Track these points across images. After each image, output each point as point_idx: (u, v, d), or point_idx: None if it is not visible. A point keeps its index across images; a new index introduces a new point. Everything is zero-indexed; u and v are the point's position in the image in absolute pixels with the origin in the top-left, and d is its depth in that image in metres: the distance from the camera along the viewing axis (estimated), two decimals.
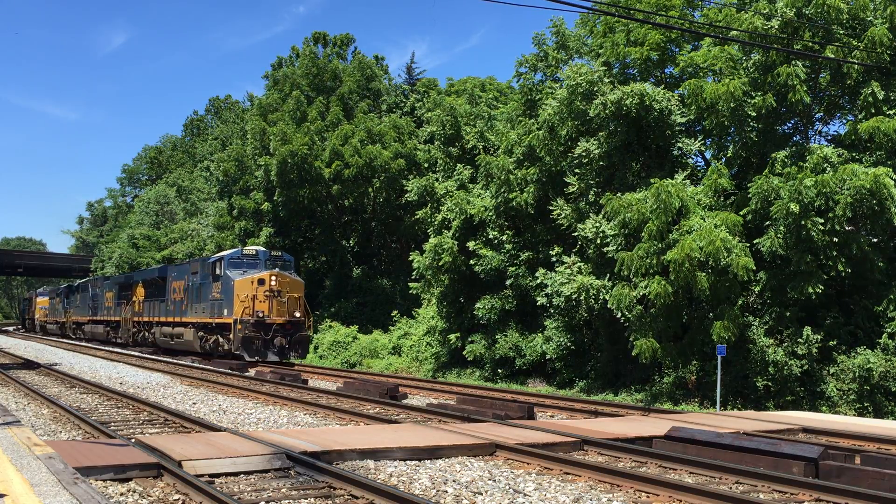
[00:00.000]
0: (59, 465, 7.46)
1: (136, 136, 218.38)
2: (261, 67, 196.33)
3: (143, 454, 9.14)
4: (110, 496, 7.87)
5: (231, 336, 28.19)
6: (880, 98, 17.13)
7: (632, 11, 19.84)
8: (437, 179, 29.13)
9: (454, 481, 8.75)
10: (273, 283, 28.30)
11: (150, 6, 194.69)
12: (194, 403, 16.82)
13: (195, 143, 75.22)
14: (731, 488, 8.67)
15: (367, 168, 35.19)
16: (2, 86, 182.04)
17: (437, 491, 8.37)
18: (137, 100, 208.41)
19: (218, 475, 8.74)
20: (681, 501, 7.95)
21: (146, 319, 38.22)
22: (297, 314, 28.76)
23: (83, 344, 46.41)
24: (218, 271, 29.51)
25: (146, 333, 38.35)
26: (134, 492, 8.14)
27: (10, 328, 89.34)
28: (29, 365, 28.11)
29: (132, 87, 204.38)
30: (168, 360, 30.70)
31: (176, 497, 7.92)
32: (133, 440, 10.67)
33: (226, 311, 28.70)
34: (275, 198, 37.38)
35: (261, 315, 27.84)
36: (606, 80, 20.51)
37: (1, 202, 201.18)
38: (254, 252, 29.79)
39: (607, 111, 19.56)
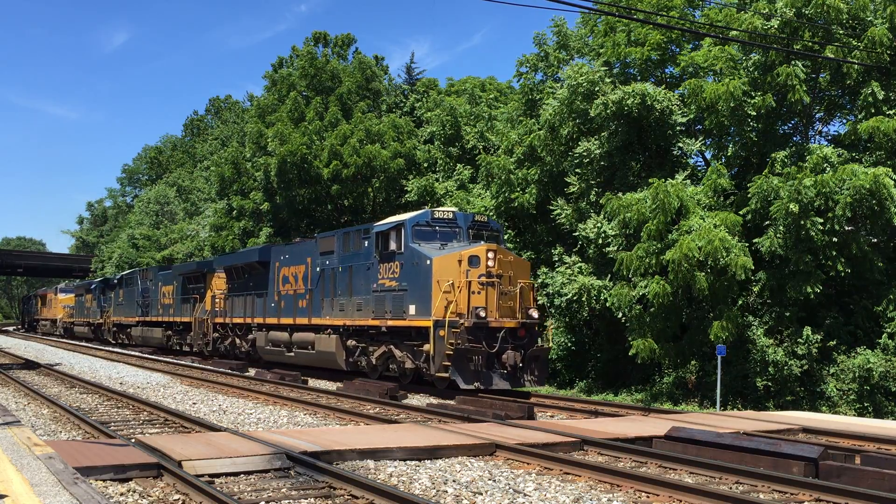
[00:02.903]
0: (59, 465, 7.46)
1: (136, 136, 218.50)
2: (262, 67, 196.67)
3: (143, 454, 9.15)
4: (110, 496, 7.87)
5: (429, 349, 17.78)
6: (880, 98, 17.14)
7: (632, 11, 19.87)
8: (437, 179, 29.13)
9: (454, 481, 8.75)
10: (490, 262, 17.78)
11: (151, 6, 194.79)
12: (194, 403, 16.82)
13: (195, 143, 75.29)
14: (731, 488, 8.67)
15: (365, 168, 35.17)
16: (2, 86, 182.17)
17: (437, 491, 8.37)
18: (137, 100, 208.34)
19: (218, 475, 8.75)
20: (681, 501, 7.95)
21: (236, 321, 28.03)
22: (534, 313, 18.36)
23: (83, 344, 46.17)
24: (393, 245, 19.04)
25: (237, 340, 28.37)
26: (134, 492, 8.14)
27: (10, 328, 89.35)
28: (29, 365, 28.09)
29: (132, 87, 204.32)
30: (168, 359, 30.15)
31: (176, 497, 7.92)
32: (133, 440, 10.68)
33: (412, 307, 18.35)
34: (276, 198, 37.33)
35: (482, 315, 17.43)
36: (607, 79, 20.54)
37: (1, 202, 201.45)
38: (450, 215, 19.31)
39: (608, 111, 19.58)
